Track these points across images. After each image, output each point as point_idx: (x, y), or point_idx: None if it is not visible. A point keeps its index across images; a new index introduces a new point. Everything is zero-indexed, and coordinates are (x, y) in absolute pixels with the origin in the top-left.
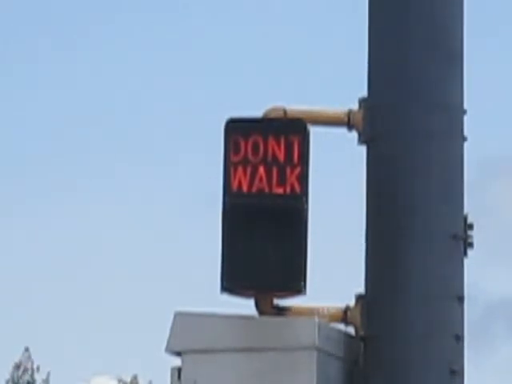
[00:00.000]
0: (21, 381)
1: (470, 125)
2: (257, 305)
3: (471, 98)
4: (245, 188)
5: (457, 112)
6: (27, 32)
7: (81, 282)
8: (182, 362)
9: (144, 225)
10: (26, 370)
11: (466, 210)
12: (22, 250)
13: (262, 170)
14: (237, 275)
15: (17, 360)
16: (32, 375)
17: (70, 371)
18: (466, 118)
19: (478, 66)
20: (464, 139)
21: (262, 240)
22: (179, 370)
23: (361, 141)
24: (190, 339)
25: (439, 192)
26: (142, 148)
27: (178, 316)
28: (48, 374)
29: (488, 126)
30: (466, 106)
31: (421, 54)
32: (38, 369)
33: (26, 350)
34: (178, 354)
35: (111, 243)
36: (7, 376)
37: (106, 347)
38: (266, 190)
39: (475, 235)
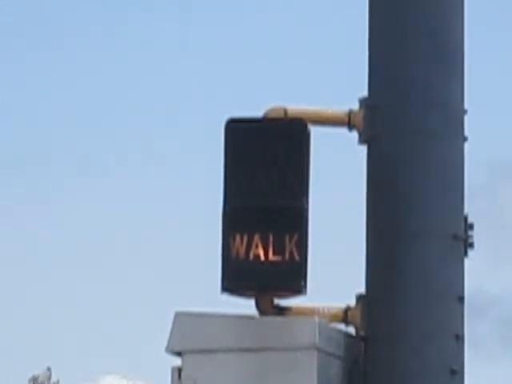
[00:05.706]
0: None
1: (480, 127)
2: (257, 305)
3: (484, 101)
4: (245, 188)
5: (457, 112)
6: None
7: (80, 282)
8: (182, 361)
9: (143, 225)
10: None
11: (478, 211)
12: (20, 249)
13: (262, 170)
14: (237, 275)
15: (35, 373)
16: None
17: (74, 371)
18: (466, 117)
19: (485, 67)
20: (464, 139)
21: (262, 240)
22: (179, 369)
23: (361, 141)
24: (190, 339)
25: (439, 192)
26: (141, 148)
27: (178, 316)
28: (58, 382)
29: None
30: (474, 107)
31: (421, 53)
32: None
33: (48, 369)
34: (179, 354)
35: (110, 243)
36: None
37: (106, 347)
38: (267, 189)
39: (492, 236)
